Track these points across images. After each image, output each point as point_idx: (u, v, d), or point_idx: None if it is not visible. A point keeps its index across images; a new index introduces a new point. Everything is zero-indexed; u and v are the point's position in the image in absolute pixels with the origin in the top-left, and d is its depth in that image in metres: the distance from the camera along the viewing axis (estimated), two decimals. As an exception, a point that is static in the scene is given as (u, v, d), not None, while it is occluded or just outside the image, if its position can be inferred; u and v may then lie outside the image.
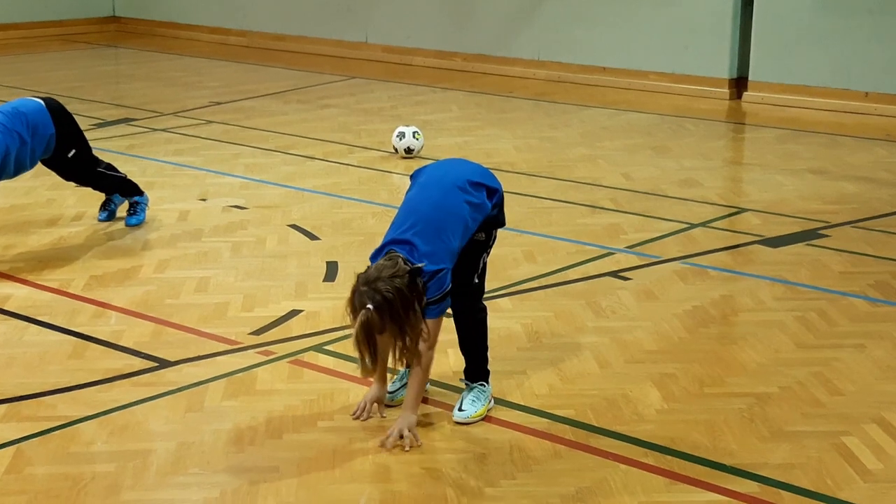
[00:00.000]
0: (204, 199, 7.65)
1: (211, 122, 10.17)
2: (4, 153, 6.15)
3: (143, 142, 9.41)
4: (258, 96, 11.42)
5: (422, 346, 4.20)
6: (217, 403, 4.68)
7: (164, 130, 9.83)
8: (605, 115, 10.58)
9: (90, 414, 4.57)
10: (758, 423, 4.49)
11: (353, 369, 4.75)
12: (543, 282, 6.11)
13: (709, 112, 10.70)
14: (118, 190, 7.04)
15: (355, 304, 4.05)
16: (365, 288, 4.03)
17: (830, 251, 6.61)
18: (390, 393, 4.63)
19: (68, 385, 4.84)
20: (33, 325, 5.51)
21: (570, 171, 8.47)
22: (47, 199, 7.64)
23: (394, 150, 8.79)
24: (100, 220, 7.09)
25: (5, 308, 5.72)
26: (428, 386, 4.72)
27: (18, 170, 6.39)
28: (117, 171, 7.02)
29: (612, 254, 6.56)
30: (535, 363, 5.06)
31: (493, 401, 4.61)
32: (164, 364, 5.06)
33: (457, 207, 4.29)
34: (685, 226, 7.09)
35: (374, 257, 4.23)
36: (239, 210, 7.41)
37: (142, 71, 13.24)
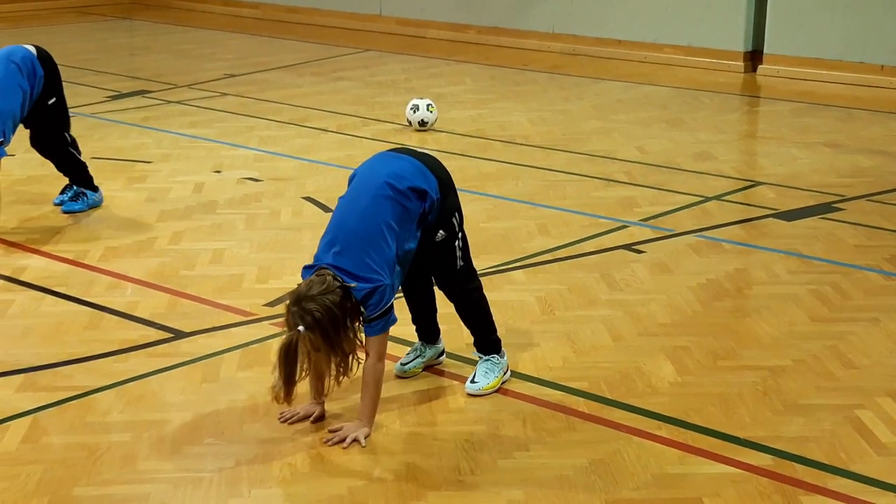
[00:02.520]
0: (218, 172, 7.66)
1: (225, 94, 10.17)
2: (18, 106, 6.23)
3: (158, 114, 9.42)
4: (272, 69, 11.41)
5: (370, 360, 4.13)
6: (232, 374, 4.71)
7: (178, 103, 9.84)
8: (620, 89, 10.54)
9: (106, 384, 4.60)
10: (771, 397, 4.50)
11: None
12: (557, 255, 6.11)
13: (724, 85, 10.65)
14: (77, 176, 6.80)
15: (288, 323, 3.96)
16: (295, 308, 3.93)
17: (845, 224, 6.59)
18: (403, 364, 4.65)
19: (84, 355, 4.87)
20: (49, 295, 5.54)
21: (584, 144, 8.45)
22: (62, 171, 7.65)
23: (408, 123, 8.78)
24: (55, 203, 6.86)
25: (22, 279, 5.75)
26: (443, 358, 4.74)
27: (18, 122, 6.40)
28: (80, 154, 6.83)
29: (626, 227, 6.56)
30: (549, 336, 5.07)
31: (509, 372, 4.63)
32: (179, 335, 5.08)
33: (383, 216, 4.10)
34: (699, 199, 7.08)
35: (304, 273, 4.11)
36: (253, 182, 7.42)
37: (156, 43, 13.24)
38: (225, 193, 7.17)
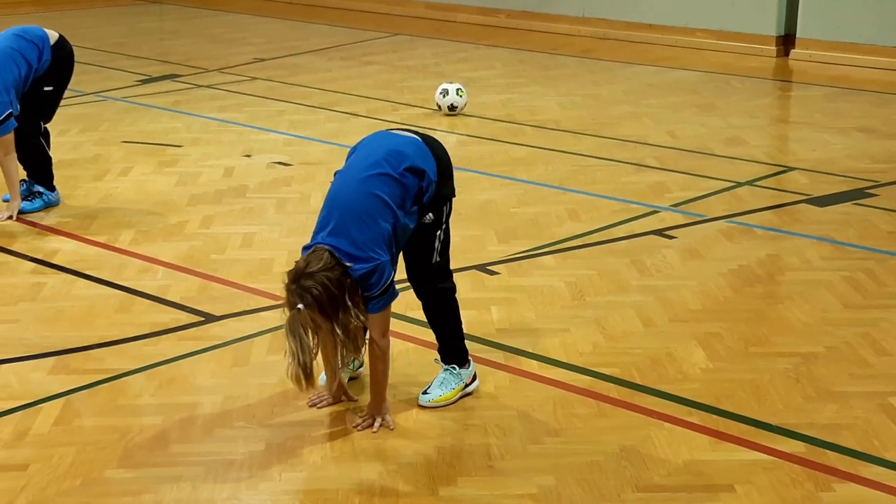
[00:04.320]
0: (248, 156, 7.67)
1: (255, 78, 10.17)
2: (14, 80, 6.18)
3: (189, 98, 9.44)
4: (302, 53, 11.41)
5: (373, 338, 4.07)
6: (262, 358, 4.72)
7: (208, 87, 9.85)
8: (651, 73, 10.48)
9: (137, 367, 4.62)
10: (804, 383, 4.47)
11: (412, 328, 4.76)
12: (587, 240, 6.08)
13: (756, 70, 10.58)
14: (37, 170, 6.54)
15: (288, 302, 3.87)
16: (294, 286, 3.84)
17: (879, 210, 6.53)
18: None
19: (116, 338, 4.89)
20: (81, 279, 5.57)
21: (614, 128, 8.41)
22: (94, 155, 7.69)
23: (437, 108, 8.76)
24: (3, 200, 6.57)
25: (53, 262, 5.78)
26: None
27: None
28: (48, 148, 6.58)
29: (657, 212, 6.52)
30: (579, 321, 5.05)
31: (475, 384, 4.40)
32: (209, 318, 5.10)
33: (379, 191, 3.97)
34: (731, 184, 7.03)
35: (303, 252, 4.02)
36: (283, 166, 7.42)
37: (186, 27, 13.26)
38: (255, 178, 7.18)
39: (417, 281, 4.28)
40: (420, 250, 4.20)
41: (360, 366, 4.51)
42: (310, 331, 3.84)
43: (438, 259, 4.23)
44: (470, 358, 4.41)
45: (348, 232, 3.93)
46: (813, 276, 5.57)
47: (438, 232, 4.19)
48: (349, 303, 3.88)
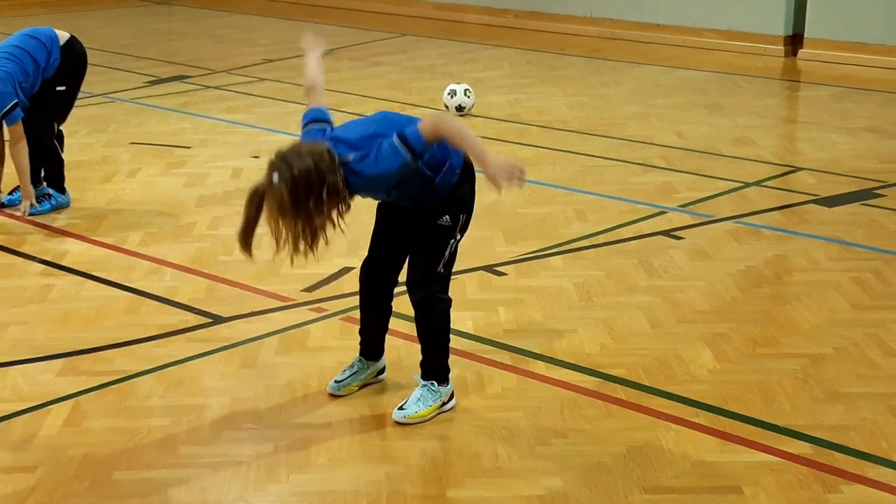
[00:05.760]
0: (256, 157, 7.68)
1: (264, 79, 10.19)
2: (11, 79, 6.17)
3: (197, 99, 9.46)
4: (309, 53, 11.40)
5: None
6: (270, 359, 4.73)
7: (217, 88, 9.87)
8: (659, 73, 10.48)
9: (146, 369, 4.64)
10: (811, 385, 4.47)
11: (407, 328, 4.77)
12: (595, 240, 6.09)
13: (763, 70, 10.57)
14: (51, 172, 6.56)
15: (266, 173, 3.76)
16: (276, 160, 3.75)
17: (886, 211, 6.53)
18: (337, 382, 4.40)
19: (125, 340, 4.91)
20: (90, 280, 5.58)
21: (622, 129, 8.41)
22: (102, 157, 7.71)
23: (445, 108, 8.76)
24: (3, 203, 6.60)
25: (62, 264, 5.80)
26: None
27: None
28: (62, 150, 6.61)
29: (665, 213, 6.52)
30: (587, 322, 5.06)
31: (452, 402, 4.30)
32: (218, 320, 5.11)
33: (395, 119, 3.96)
34: (739, 185, 7.03)
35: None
36: (291, 167, 7.42)
37: (194, 28, 13.28)
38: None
39: (416, 286, 4.18)
40: (429, 255, 4.12)
41: (381, 373, 4.50)
42: (272, 208, 3.73)
43: (442, 271, 4.14)
44: (450, 377, 4.30)
45: (356, 130, 3.95)
46: (821, 277, 5.57)
47: (451, 241, 4.12)
48: (324, 199, 3.74)
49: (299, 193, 3.72)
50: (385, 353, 4.50)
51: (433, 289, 4.16)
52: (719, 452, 3.99)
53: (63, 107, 6.53)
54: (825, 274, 5.61)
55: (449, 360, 4.30)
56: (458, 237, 4.15)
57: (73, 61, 6.45)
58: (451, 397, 4.31)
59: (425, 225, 4.11)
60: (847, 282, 5.48)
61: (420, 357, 4.30)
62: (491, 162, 3.77)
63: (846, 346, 4.79)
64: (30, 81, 6.28)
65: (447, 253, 4.13)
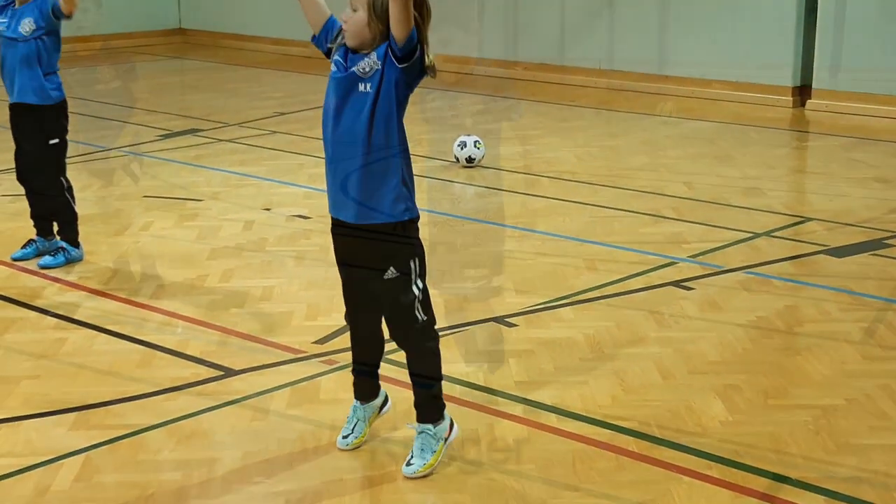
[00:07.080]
0: (268, 209, 7.73)
1: (275, 132, 10.27)
2: None
3: (209, 152, 9.52)
4: (321, 107, 11.47)
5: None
6: (282, 412, 4.73)
7: (229, 141, 9.94)
8: (668, 124, 10.53)
9: (157, 422, 4.64)
10: (824, 436, 4.45)
11: (395, 372, 4.77)
12: (605, 291, 6.10)
13: (772, 120, 10.61)
14: (65, 227, 6.61)
15: None
16: None
17: (897, 261, 6.54)
18: (345, 438, 4.38)
19: (136, 394, 4.92)
20: (102, 334, 5.60)
21: (631, 179, 8.45)
22: (116, 210, 7.76)
23: (455, 160, 8.81)
24: (13, 259, 6.62)
25: (75, 317, 5.82)
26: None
27: None
28: (74, 202, 6.64)
29: (675, 263, 6.53)
30: (598, 373, 5.06)
31: (452, 434, 4.28)
32: (229, 373, 5.12)
33: None
34: (749, 235, 7.04)
35: None
36: (303, 220, 7.47)
37: (207, 82, 13.40)
38: (274, 231, 7.23)
39: (401, 343, 4.24)
40: (400, 314, 4.13)
41: (384, 405, 4.50)
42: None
43: (424, 318, 4.13)
44: (445, 412, 4.29)
45: None
46: (831, 328, 5.56)
47: (413, 286, 4.07)
48: None
49: None
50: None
51: (421, 339, 4.18)
52: (732, 505, 3.98)
53: (62, 158, 6.57)
54: (836, 325, 5.61)
55: (444, 398, 4.30)
56: (419, 282, 4.09)
57: (60, 112, 6.50)
58: (452, 428, 4.30)
59: (378, 282, 4.09)
60: (858, 332, 5.48)
61: (412, 400, 4.30)
62: None
63: (857, 398, 4.78)
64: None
65: (415, 298, 4.08)
